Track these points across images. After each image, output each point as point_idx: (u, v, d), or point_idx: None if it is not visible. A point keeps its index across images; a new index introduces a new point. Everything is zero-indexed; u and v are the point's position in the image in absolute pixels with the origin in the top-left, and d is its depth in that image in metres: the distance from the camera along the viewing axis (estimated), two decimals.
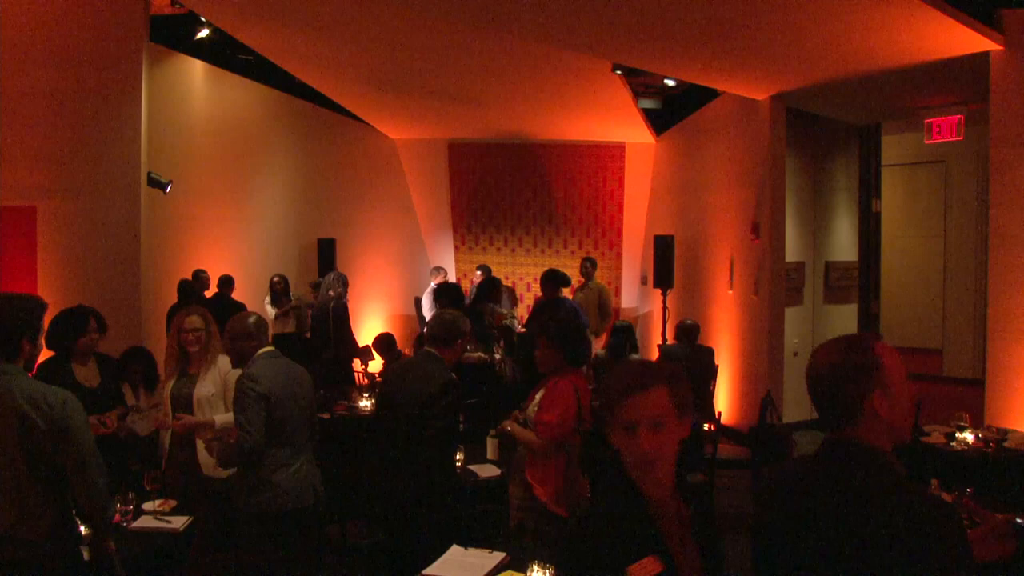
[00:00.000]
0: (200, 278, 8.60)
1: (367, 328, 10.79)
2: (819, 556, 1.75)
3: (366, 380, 7.74)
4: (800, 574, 1.80)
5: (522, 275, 11.85)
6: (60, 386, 2.89)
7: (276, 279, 9.34)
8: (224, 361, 4.16)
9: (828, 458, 1.83)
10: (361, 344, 9.19)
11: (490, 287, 8.32)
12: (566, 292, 8.49)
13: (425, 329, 4.40)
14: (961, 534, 1.70)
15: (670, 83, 8.63)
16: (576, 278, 9.37)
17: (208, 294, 8.63)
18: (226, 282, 8.75)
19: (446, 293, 7.28)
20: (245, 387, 3.59)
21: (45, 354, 3.71)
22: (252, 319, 3.80)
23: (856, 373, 1.79)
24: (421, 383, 3.78)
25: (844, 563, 1.71)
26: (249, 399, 3.56)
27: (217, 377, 4.17)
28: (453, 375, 3.84)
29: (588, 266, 9.21)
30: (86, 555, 2.98)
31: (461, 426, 5.38)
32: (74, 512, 2.97)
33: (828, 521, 1.75)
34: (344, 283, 9.00)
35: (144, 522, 3.67)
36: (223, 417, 4.02)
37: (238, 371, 3.81)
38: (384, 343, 7.09)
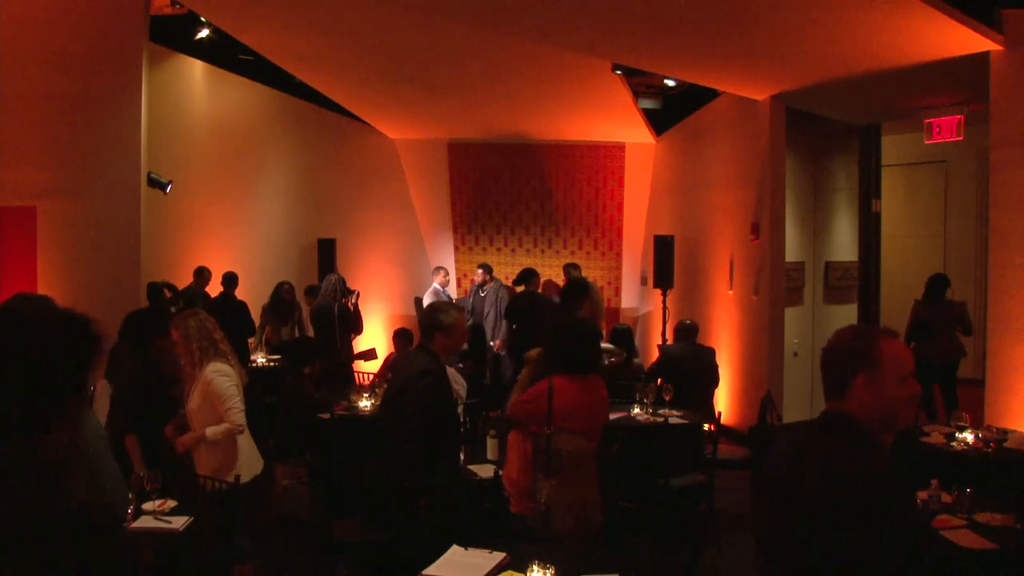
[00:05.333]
0: (193, 278, 8.53)
1: (367, 328, 10.78)
2: (792, 501, 2.06)
3: (367, 381, 7.75)
4: (780, 514, 2.11)
5: (517, 276, 11.83)
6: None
7: (286, 287, 9.16)
8: (208, 369, 4.18)
9: (818, 422, 2.14)
10: (362, 345, 9.19)
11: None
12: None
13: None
14: (897, 502, 1.96)
15: (670, 83, 8.62)
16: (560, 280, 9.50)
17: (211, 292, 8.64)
18: (230, 280, 8.74)
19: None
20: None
21: None
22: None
23: (848, 356, 2.08)
24: (404, 370, 4.00)
25: (807, 507, 2.01)
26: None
27: (199, 387, 4.21)
28: (434, 364, 3.92)
29: (572, 272, 9.29)
30: None
31: (462, 428, 5.40)
32: None
33: (802, 471, 2.06)
34: (346, 290, 8.96)
35: (144, 522, 3.67)
36: (212, 429, 4.15)
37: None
38: (400, 336, 7.29)
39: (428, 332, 3.99)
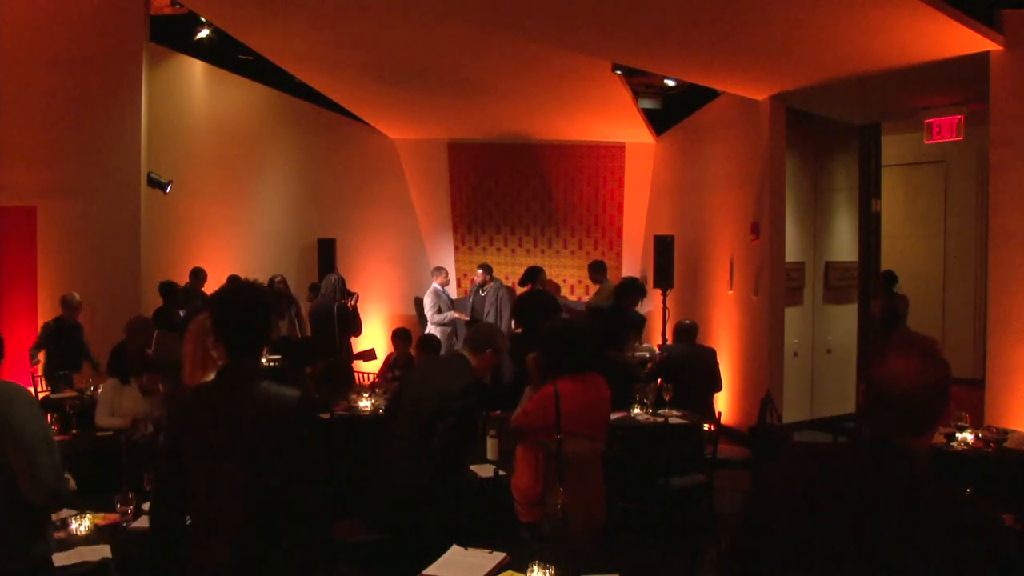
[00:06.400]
0: (199, 276, 8.57)
1: (367, 328, 10.79)
2: (844, 547, 1.74)
3: (367, 381, 7.75)
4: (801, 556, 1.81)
5: (522, 275, 11.84)
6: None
7: (278, 279, 9.21)
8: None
9: (885, 463, 1.76)
10: (363, 345, 9.19)
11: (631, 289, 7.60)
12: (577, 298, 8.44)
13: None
14: (1001, 539, 1.75)
15: (670, 83, 8.63)
16: (582, 283, 9.42)
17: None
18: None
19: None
20: None
21: None
22: None
23: (945, 386, 1.75)
24: (445, 378, 3.90)
25: (883, 558, 1.69)
26: None
27: None
28: (474, 381, 3.90)
29: (598, 272, 9.22)
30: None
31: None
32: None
33: (874, 517, 1.72)
34: (345, 291, 8.99)
35: (144, 522, 3.66)
36: None
37: None
38: (400, 336, 7.36)
39: (480, 346, 3.94)
